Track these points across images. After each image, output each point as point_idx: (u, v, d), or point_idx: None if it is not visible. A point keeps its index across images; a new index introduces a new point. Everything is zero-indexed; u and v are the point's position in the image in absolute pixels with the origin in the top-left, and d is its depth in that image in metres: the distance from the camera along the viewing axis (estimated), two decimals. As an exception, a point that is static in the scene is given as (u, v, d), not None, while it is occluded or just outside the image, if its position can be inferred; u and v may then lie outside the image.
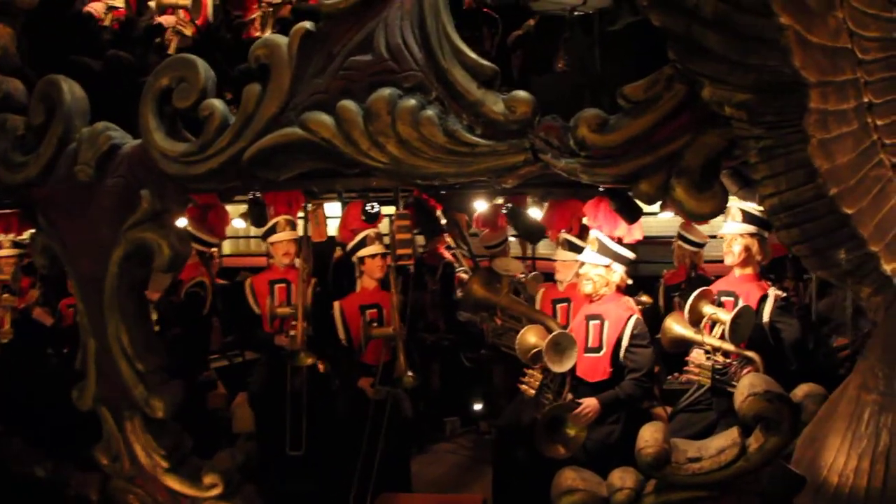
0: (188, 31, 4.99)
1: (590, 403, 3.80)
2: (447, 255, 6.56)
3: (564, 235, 4.32)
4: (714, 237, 4.90)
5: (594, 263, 3.97)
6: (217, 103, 3.34)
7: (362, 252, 4.56)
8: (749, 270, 3.87)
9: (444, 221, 5.91)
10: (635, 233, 4.02)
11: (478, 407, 6.21)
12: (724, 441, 3.12)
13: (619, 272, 3.99)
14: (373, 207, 4.12)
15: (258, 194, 4.42)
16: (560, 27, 3.87)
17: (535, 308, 4.31)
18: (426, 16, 3.03)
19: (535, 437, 3.64)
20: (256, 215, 4.47)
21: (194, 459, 3.90)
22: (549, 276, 5.45)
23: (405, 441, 4.40)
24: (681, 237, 5.16)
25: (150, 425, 3.75)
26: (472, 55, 2.99)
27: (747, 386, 2.99)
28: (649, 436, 3.15)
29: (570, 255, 4.31)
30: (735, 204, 3.75)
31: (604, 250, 3.93)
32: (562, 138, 2.89)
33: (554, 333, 3.69)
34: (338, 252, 5.90)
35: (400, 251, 4.35)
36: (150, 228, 3.50)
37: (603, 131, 2.83)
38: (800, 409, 2.93)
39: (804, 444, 2.64)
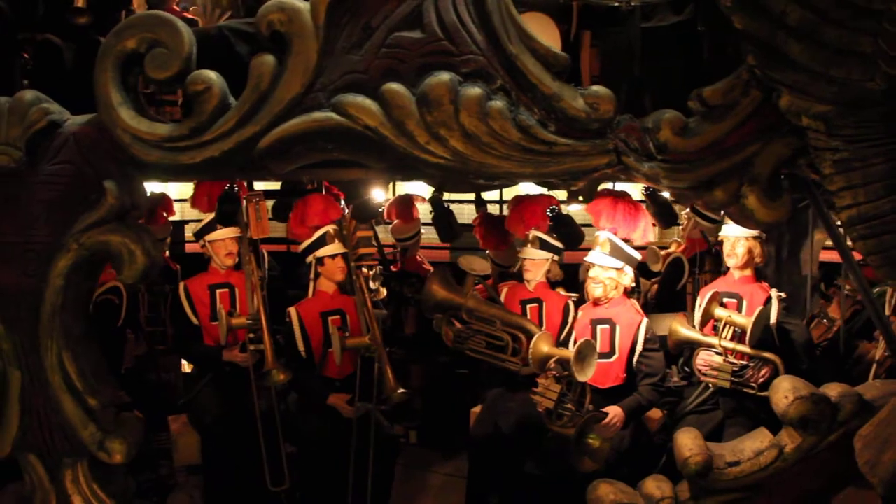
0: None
1: (617, 413, 3.68)
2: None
3: (536, 233, 4.14)
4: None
5: (605, 266, 3.85)
6: (214, 76, 2.71)
7: (321, 252, 4.00)
8: (748, 272, 3.95)
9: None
10: (649, 235, 3.96)
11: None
12: (757, 443, 3.16)
13: (629, 275, 3.90)
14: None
15: (235, 186, 3.69)
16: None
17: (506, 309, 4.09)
18: (485, -8, 2.67)
19: (571, 451, 3.44)
20: (229, 212, 3.72)
21: (144, 506, 3.23)
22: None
23: (390, 464, 3.96)
24: None
25: (98, 471, 3.02)
26: (542, 42, 2.69)
27: (790, 389, 3.04)
28: (691, 443, 3.10)
29: (542, 254, 4.14)
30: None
31: (616, 252, 3.80)
32: (642, 140, 2.71)
33: (579, 342, 3.51)
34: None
35: (362, 250, 3.90)
36: (116, 230, 2.78)
37: (685, 135, 2.70)
38: (837, 409, 3.06)
39: (877, 447, 2.74)
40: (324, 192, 4.23)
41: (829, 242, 5.28)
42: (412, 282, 5.13)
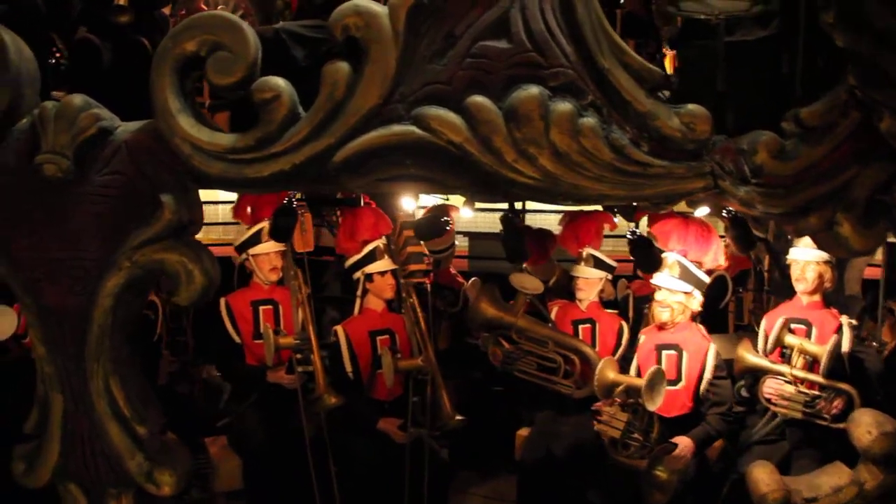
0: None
1: (687, 444, 3.53)
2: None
3: (589, 251, 3.98)
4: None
5: (673, 290, 3.68)
6: (282, 83, 2.51)
7: (370, 268, 3.81)
8: (817, 297, 3.80)
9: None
10: (720, 258, 3.82)
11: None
12: (835, 479, 3.04)
13: (699, 299, 3.76)
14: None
15: (294, 199, 3.48)
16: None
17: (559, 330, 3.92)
18: (575, 1, 2.50)
19: (636, 482, 3.30)
20: (283, 228, 3.49)
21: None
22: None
23: (444, 491, 3.78)
24: None
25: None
26: (636, 56, 2.53)
27: (873, 424, 2.91)
28: (768, 478, 2.98)
29: (596, 273, 3.99)
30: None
31: (686, 276, 3.65)
32: (737, 163, 2.55)
33: (650, 370, 3.36)
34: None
35: (412, 266, 3.73)
36: (173, 248, 2.57)
37: (782, 158, 2.55)
38: (921, 445, 2.93)
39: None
40: (363, 205, 4.05)
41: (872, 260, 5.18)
42: (445, 295, 4.96)
